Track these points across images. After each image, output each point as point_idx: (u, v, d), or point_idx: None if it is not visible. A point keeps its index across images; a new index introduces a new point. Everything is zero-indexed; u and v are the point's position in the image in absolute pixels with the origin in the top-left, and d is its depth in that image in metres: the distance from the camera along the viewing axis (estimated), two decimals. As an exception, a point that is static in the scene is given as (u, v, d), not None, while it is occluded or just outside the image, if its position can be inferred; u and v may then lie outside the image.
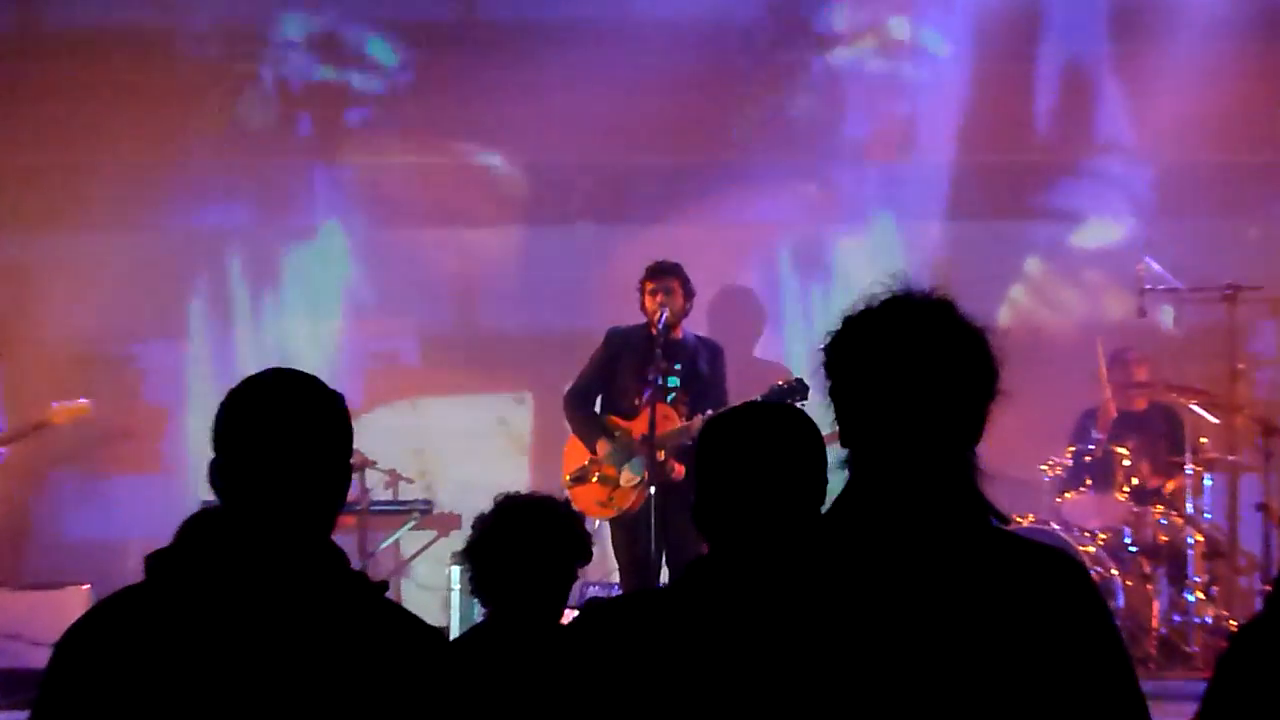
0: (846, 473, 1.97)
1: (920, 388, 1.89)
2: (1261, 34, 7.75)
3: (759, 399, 6.51)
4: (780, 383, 6.57)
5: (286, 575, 2.09)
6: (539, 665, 2.82)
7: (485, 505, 3.16)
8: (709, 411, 6.47)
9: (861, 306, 1.94)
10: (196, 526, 2.14)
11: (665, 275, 6.73)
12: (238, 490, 2.14)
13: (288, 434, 2.14)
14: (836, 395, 1.95)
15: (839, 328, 1.95)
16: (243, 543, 2.11)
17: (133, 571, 2.12)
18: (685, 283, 6.75)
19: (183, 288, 7.98)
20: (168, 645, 2.04)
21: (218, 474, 2.16)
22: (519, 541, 3.07)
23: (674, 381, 6.70)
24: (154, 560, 2.12)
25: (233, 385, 2.18)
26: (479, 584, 3.11)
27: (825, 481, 2.34)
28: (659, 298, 6.69)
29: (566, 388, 6.90)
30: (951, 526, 1.90)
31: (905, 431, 1.90)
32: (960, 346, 1.91)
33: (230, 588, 2.07)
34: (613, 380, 6.75)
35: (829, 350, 1.96)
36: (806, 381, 6.49)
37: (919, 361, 1.90)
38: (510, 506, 3.12)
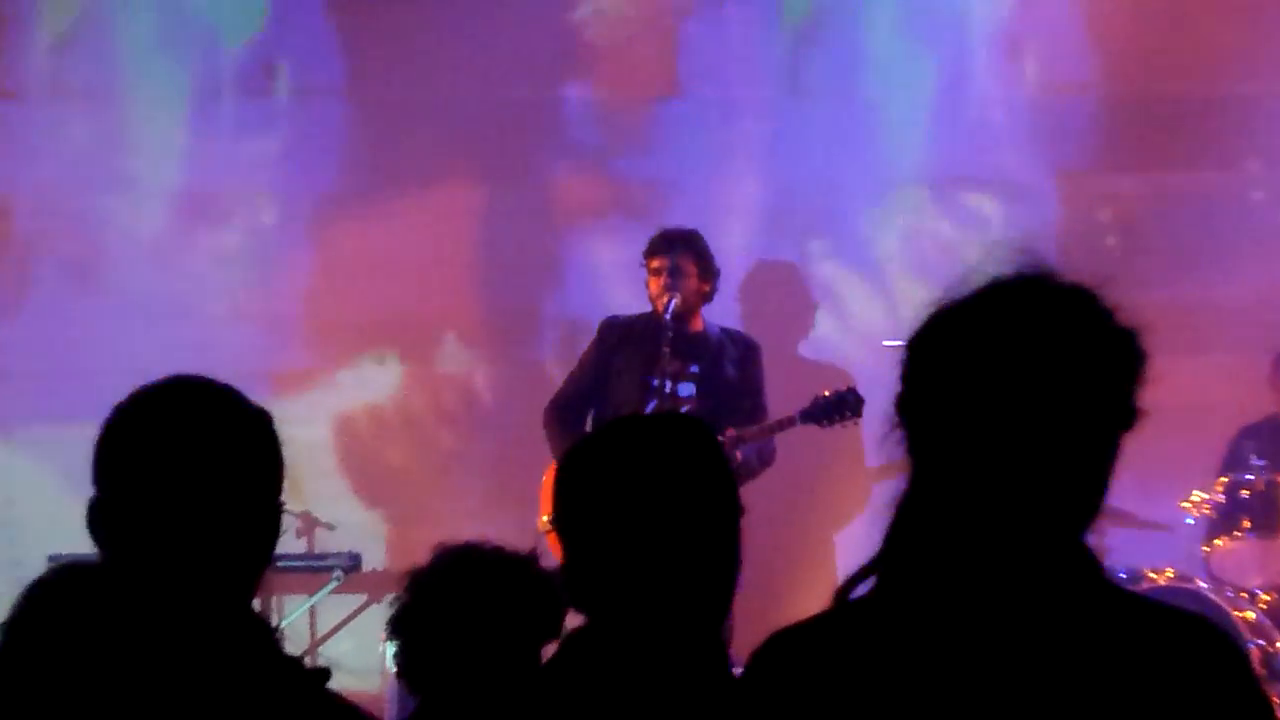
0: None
1: (1041, 412, 1.86)
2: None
3: (797, 415, 6.51)
4: (826, 394, 6.55)
5: (194, 659, 2.06)
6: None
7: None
8: (731, 432, 6.45)
9: (960, 294, 1.91)
10: (61, 589, 2.12)
11: (673, 248, 6.72)
12: (126, 539, 2.12)
13: (197, 463, 2.13)
14: (914, 412, 1.92)
15: (929, 320, 1.92)
16: (131, 612, 2.08)
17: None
18: (702, 257, 6.74)
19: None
20: None
21: (99, 517, 2.14)
22: (461, 610, 3.07)
23: (688, 389, 6.72)
24: (-5, 635, 2.12)
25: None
26: (407, 666, 3.10)
27: (737, 518, 2.36)
28: (663, 278, 6.67)
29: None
30: (1058, 588, 1.88)
31: (1011, 470, 1.87)
32: (1105, 356, 1.88)
33: (110, 675, 2.04)
34: (608, 387, 6.75)
35: (913, 351, 1.92)
36: (860, 393, 6.49)
37: (1044, 375, 1.86)
38: (453, 562, 3.11)
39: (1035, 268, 1.90)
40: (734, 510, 2.40)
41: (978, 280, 1.90)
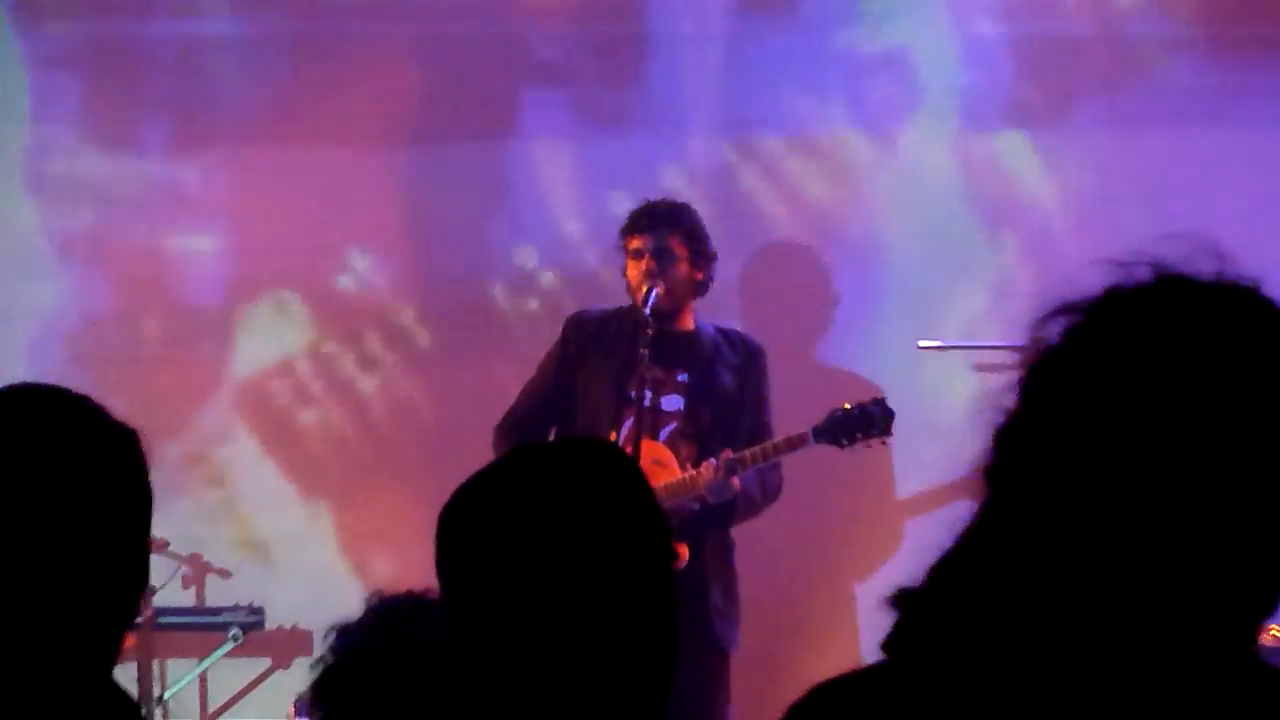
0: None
1: (1221, 462, 1.83)
2: None
3: (810, 433, 6.51)
4: (846, 407, 6.55)
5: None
6: None
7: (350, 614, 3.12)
8: (727, 454, 6.48)
9: (1122, 296, 1.88)
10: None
11: (656, 226, 6.73)
12: None
13: (44, 491, 2.16)
14: (1029, 447, 1.90)
15: (1069, 331, 1.89)
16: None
17: None
18: (694, 238, 6.76)
19: None
20: None
21: None
22: (401, 676, 3.02)
23: (674, 402, 6.75)
24: None
25: None
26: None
27: (668, 572, 2.39)
28: (645, 262, 6.64)
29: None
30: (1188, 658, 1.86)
31: (1172, 533, 1.84)
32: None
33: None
34: (574, 401, 6.78)
35: (1039, 371, 1.90)
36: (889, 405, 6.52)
37: (1228, 412, 1.84)
38: (387, 615, 3.07)
39: (1217, 270, 1.89)
40: (664, 562, 2.41)
41: (1123, 280, 1.89)
